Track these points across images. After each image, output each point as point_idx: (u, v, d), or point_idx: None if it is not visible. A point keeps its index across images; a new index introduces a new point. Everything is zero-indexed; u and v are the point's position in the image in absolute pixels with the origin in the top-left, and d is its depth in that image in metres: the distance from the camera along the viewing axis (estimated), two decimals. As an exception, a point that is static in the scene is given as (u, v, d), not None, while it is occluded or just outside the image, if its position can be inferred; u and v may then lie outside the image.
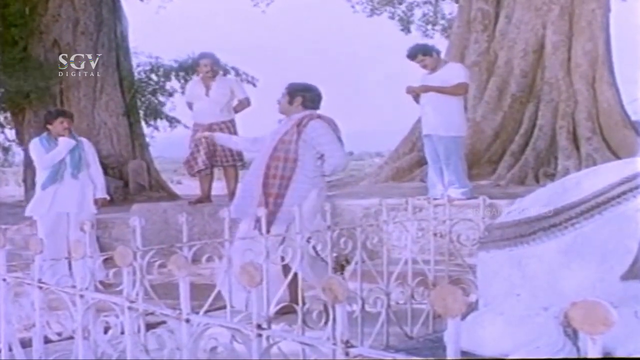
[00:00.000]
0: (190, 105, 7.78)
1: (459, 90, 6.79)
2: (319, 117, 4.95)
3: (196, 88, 7.61)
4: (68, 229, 6.02)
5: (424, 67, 6.84)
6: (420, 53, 6.86)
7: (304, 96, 4.98)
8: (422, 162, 8.00)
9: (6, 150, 16.32)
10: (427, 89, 6.78)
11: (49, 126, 6.19)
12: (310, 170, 4.84)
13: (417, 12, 17.62)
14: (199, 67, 7.59)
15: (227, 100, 7.48)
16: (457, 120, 6.81)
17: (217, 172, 7.93)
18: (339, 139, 4.98)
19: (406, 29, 17.35)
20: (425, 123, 6.95)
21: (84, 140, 6.45)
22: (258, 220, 4.19)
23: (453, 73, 6.83)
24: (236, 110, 7.57)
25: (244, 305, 3.59)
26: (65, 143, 6.11)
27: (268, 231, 3.78)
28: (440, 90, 6.69)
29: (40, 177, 6.16)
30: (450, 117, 6.73)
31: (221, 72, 8.25)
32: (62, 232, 6.03)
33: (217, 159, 7.43)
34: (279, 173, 4.79)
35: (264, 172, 4.81)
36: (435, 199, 5.70)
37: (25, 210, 6.31)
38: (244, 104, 7.63)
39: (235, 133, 7.43)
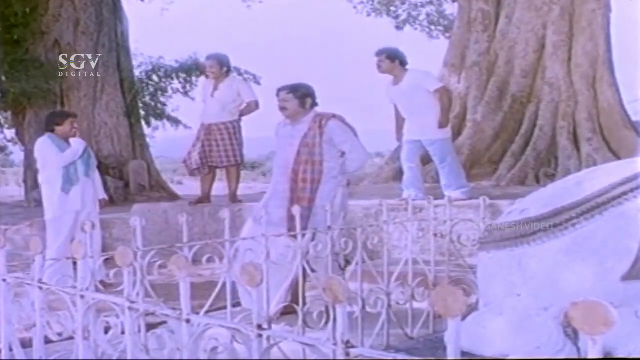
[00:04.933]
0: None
1: (448, 95, 6.92)
2: (334, 116, 4.94)
3: (205, 88, 7.61)
4: (75, 230, 5.98)
5: (379, 67, 6.76)
6: (385, 54, 6.75)
7: (313, 97, 4.97)
8: (422, 163, 7.98)
9: (2, 149, 16.35)
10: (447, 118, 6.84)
11: (57, 127, 6.12)
12: (335, 170, 4.84)
13: (422, 13, 17.64)
14: (206, 68, 7.60)
15: (232, 101, 7.34)
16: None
17: (219, 172, 7.89)
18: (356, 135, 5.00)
19: (400, 27, 17.34)
20: (413, 130, 6.87)
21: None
22: (292, 220, 4.25)
23: (427, 81, 6.80)
24: (243, 113, 7.38)
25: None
26: (78, 143, 6.12)
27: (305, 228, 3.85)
28: (444, 110, 6.70)
29: (54, 177, 6.02)
30: (436, 119, 6.72)
31: (234, 74, 8.15)
32: (72, 233, 6.00)
33: (213, 159, 7.36)
34: (309, 177, 4.75)
35: (291, 177, 4.77)
36: (414, 199, 5.64)
37: (46, 213, 6.12)
38: (252, 107, 7.41)
39: (236, 134, 7.37)
